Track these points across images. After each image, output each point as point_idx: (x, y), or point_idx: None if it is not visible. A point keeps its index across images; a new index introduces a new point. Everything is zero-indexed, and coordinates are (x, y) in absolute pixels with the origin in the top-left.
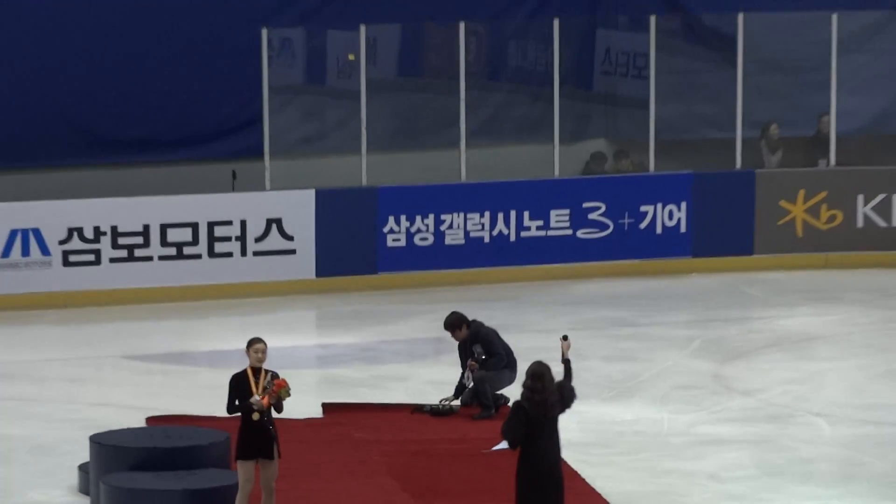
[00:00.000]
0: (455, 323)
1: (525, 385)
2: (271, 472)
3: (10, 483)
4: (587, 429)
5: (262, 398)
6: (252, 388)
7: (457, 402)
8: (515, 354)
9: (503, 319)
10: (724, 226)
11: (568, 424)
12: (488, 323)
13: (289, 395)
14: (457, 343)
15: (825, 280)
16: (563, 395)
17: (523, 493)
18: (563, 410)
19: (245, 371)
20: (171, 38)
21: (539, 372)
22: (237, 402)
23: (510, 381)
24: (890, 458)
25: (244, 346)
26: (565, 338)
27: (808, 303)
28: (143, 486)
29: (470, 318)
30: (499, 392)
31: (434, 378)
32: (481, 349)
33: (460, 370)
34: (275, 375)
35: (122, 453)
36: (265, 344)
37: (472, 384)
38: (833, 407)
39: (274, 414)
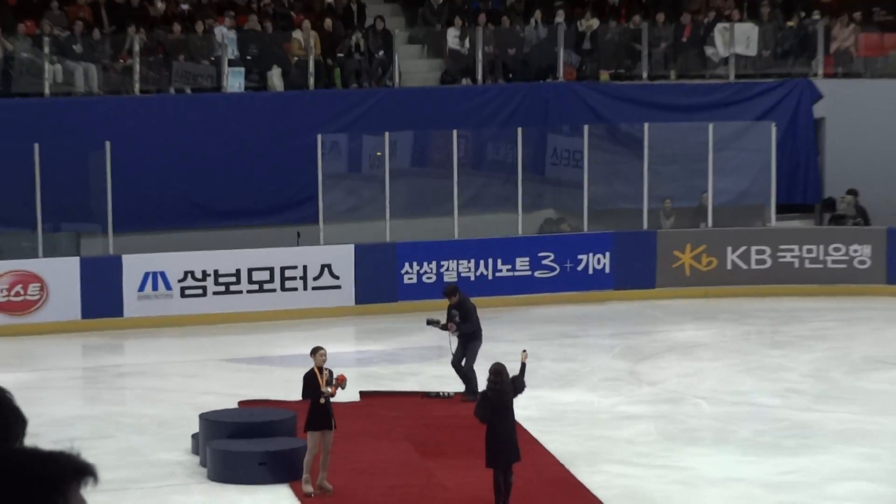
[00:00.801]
0: (451, 291)
1: (489, 379)
2: (330, 439)
3: (145, 447)
4: (543, 409)
5: (332, 389)
6: (319, 381)
7: (450, 391)
8: (492, 358)
9: (484, 332)
10: (635, 268)
11: (528, 405)
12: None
13: (345, 387)
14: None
15: (705, 306)
16: (515, 386)
17: (490, 452)
18: (515, 395)
19: (312, 370)
20: (256, 140)
21: (498, 370)
22: (309, 391)
23: (478, 347)
24: (750, 428)
25: (308, 352)
26: (524, 351)
27: (693, 321)
28: (236, 448)
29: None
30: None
31: (437, 373)
32: (458, 315)
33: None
34: (331, 373)
35: (221, 426)
36: (325, 350)
37: (455, 338)
38: (711, 392)
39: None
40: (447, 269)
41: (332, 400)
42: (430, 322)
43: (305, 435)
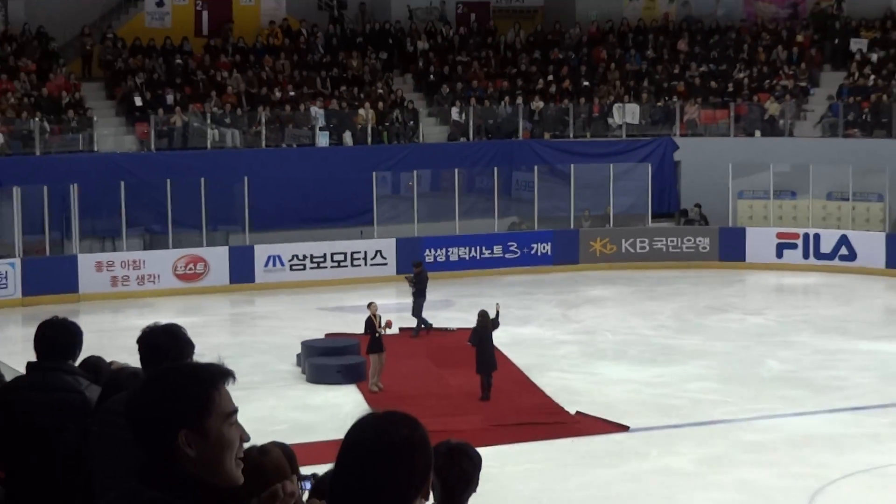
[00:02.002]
0: (418, 263)
1: (478, 320)
2: (383, 358)
3: (268, 362)
4: (510, 337)
5: (384, 327)
6: (375, 323)
7: (455, 327)
8: (480, 307)
9: (473, 291)
10: (566, 252)
11: (502, 336)
12: (467, 292)
13: (391, 327)
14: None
15: (609, 275)
16: (494, 324)
17: (479, 364)
18: (493, 330)
19: (370, 316)
20: (336, 175)
21: (483, 312)
22: (368, 329)
23: (423, 303)
24: (637, 349)
25: (366, 304)
26: (498, 303)
27: (602, 284)
28: (324, 363)
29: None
30: (423, 316)
31: (447, 316)
32: (416, 280)
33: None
34: (381, 318)
35: (314, 348)
36: (377, 304)
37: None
38: (613, 327)
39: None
40: (452, 253)
41: (383, 334)
42: (407, 278)
43: (368, 356)
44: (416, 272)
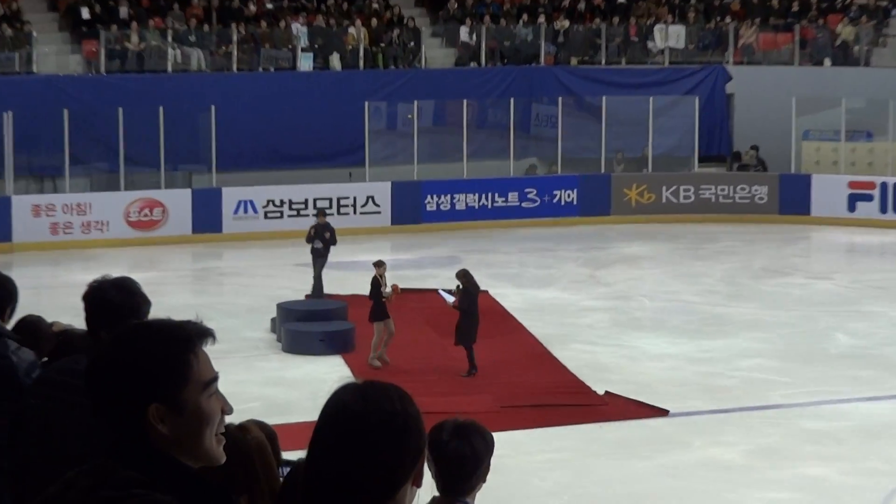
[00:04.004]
0: (321, 212)
1: (464, 280)
2: (392, 326)
3: (237, 327)
4: (527, 303)
5: (391, 293)
6: (382, 285)
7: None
8: (489, 265)
9: (484, 245)
10: (595, 201)
11: (517, 300)
12: (476, 247)
13: (399, 292)
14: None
15: (647, 229)
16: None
17: (466, 332)
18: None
19: (376, 277)
20: (320, 106)
21: (467, 272)
22: (374, 292)
23: (322, 265)
24: (679, 318)
25: (358, 259)
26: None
27: (638, 240)
28: (302, 328)
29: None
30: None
31: (451, 275)
32: (329, 233)
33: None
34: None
35: (292, 312)
36: (386, 265)
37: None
38: (650, 292)
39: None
40: (458, 200)
41: (390, 299)
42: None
43: (372, 324)
44: (321, 221)
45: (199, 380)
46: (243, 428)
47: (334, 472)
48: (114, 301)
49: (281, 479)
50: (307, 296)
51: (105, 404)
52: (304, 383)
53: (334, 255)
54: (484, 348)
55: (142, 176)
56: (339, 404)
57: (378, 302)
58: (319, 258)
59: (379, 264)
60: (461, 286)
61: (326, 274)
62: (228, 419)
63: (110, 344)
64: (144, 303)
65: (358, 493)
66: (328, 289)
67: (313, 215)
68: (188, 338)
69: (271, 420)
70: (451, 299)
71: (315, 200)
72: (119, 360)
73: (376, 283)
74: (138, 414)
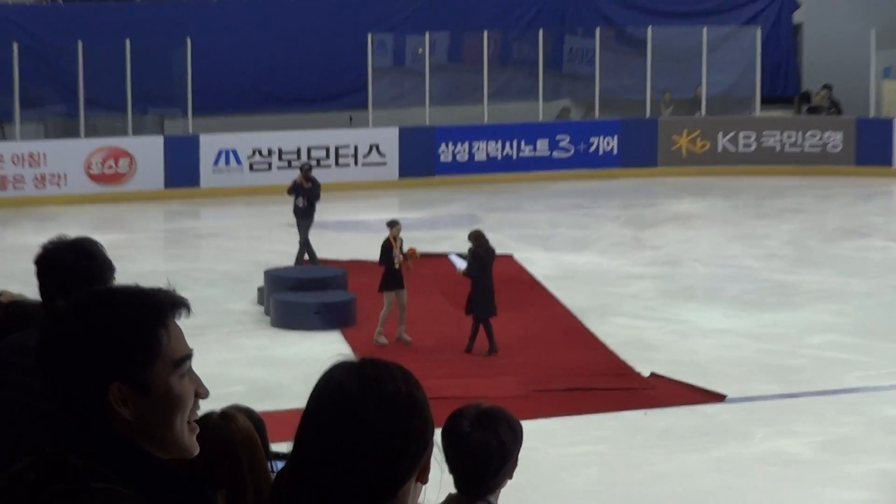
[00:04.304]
0: (307, 166)
1: (475, 242)
2: (404, 297)
3: (217, 298)
4: (559, 269)
5: (407, 258)
6: (395, 249)
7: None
8: (515, 225)
9: (508, 202)
10: (639, 150)
11: (546, 265)
12: (498, 204)
13: (418, 257)
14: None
15: (699, 182)
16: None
17: (475, 304)
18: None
19: (389, 239)
20: (316, 38)
21: (479, 234)
22: (385, 257)
23: (309, 225)
24: (737, 287)
25: (360, 218)
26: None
27: (689, 195)
28: (294, 299)
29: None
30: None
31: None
32: (312, 188)
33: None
34: (402, 243)
35: (283, 280)
36: (401, 225)
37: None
38: (704, 256)
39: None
40: (477, 150)
41: (407, 264)
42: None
43: (381, 294)
44: (304, 175)
45: (169, 356)
46: (228, 416)
47: (325, 465)
48: (71, 266)
49: (272, 474)
50: (305, 262)
51: (59, 384)
52: (296, 363)
53: (331, 213)
54: (509, 322)
55: (105, 121)
56: (332, 385)
57: (390, 268)
58: (304, 219)
59: (392, 224)
60: (472, 249)
61: (320, 236)
62: (205, 405)
63: (65, 314)
64: (107, 268)
65: (353, 491)
66: (322, 254)
67: (298, 167)
68: (158, 308)
69: (258, 406)
70: (461, 264)
71: (309, 150)
72: (75, 332)
73: (388, 247)
74: (97, 396)
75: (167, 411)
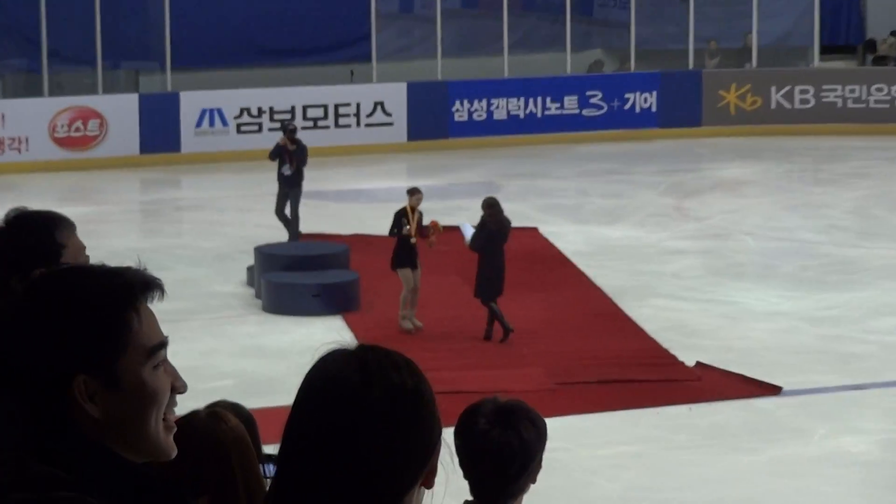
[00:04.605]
0: (290, 128)
1: (487, 212)
2: (419, 275)
3: (201, 279)
4: (590, 243)
5: (430, 233)
6: (410, 221)
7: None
8: (541, 193)
9: (532, 168)
10: (681, 107)
11: (576, 240)
12: (521, 170)
13: (441, 231)
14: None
15: (750, 144)
16: (509, 226)
17: (484, 281)
18: (507, 237)
19: (405, 208)
20: None
21: (492, 202)
22: (398, 228)
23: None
24: (793, 263)
25: (363, 186)
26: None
27: (738, 159)
28: (290, 280)
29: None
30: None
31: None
32: (298, 154)
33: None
34: (421, 216)
35: (276, 259)
36: (422, 194)
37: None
38: (755, 228)
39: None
40: (497, 107)
41: (430, 240)
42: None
43: (396, 272)
44: (289, 136)
45: (141, 345)
46: (215, 414)
47: (317, 468)
48: (31, 243)
49: (266, 479)
50: (302, 237)
51: (15, 378)
52: (292, 353)
53: (330, 181)
54: (533, 305)
55: (71, 77)
56: (328, 376)
57: (403, 241)
58: (294, 188)
59: (413, 192)
60: (482, 219)
61: (318, 207)
62: (189, 402)
63: (22, 296)
64: (73, 246)
65: (350, 498)
66: (321, 227)
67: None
68: (127, 289)
69: (249, 402)
70: (470, 234)
71: (305, 109)
72: (32, 317)
73: (402, 217)
74: (60, 390)
75: (140, 408)
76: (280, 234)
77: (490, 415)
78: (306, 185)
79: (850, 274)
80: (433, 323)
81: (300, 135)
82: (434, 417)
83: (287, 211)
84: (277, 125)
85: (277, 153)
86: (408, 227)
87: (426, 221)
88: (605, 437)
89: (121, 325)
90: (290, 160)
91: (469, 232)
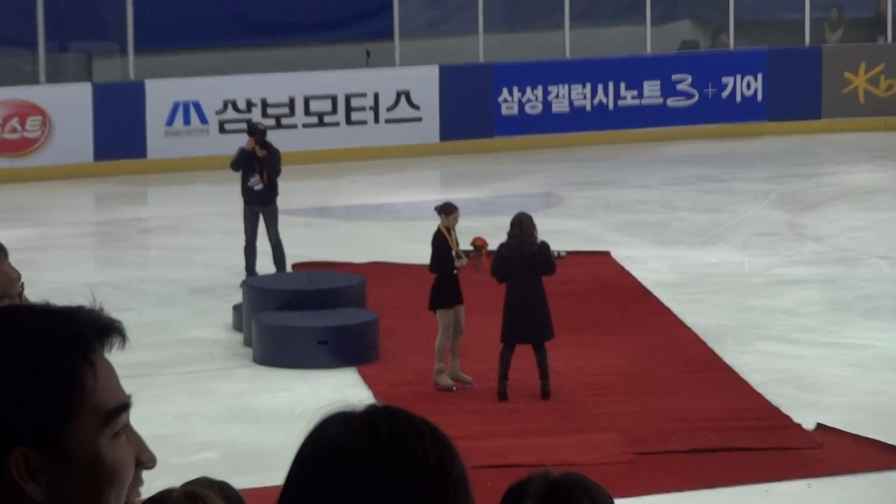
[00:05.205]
0: (259, 128)
1: (511, 232)
2: (462, 317)
3: (174, 322)
4: (677, 271)
5: (474, 255)
6: (451, 245)
7: (563, 251)
8: (616, 209)
9: (603, 176)
10: (796, 94)
11: (660, 267)
12: (588, 179)
13: (487, 252)
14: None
15: (884, 140)
16: (542, 251)
17: (505, 317)
18: (540, 265)
19: (440, 231)
20: None
21: (516, 219)
22: (441, 260)
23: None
24: None
25: (383, 201)
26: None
27: (870, 160)
28: (290, 323)
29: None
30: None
31: (544, 228)
32: (268, 160)
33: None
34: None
35: (270, 295)
36: (458, 210)
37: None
38: (891, 251)
39: None
40: (556, 97)
41: (471, 264)
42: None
43: (435, 313)
44: (258, 139)
45: (96, 408)
46: (195, 497)
47: None
48: None
49: None
50: (297, 266)
51: None
52: (291, 418)
53: (339, 194)
54: (604, 351)
55: (7, 62)
56: (326, 447)
57: (446, 276)
58: (267, 205)
59: (447, 210)
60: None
61: (324, 228)
62: (160, 479)
63: None
64: (6, 280)
65: None
66: (328, 253)
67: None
68: (78, 336)
69: (237, 480)
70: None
71: (307, 101)
72: None
73: (441, 242)
74: None
75: (95, 487)
76: (264, 263)
77: (539, 495)
78: (297, 201)
79: None
80: (477, 377)
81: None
82: (465, 500)
83: (261, 239)
84: (273, 122)
85: (243, 162)
86: (461, 259)
87: (466, 241)
88: None
89: (70, 383)
90: (261, 170)
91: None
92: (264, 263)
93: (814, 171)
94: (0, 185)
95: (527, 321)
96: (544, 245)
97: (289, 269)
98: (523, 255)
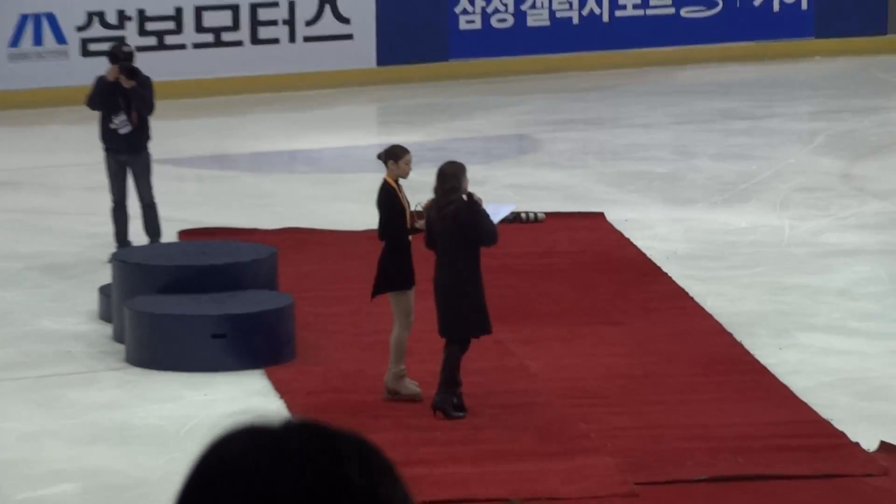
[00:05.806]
0: (126, 60)
1: (439, 187)
2: (412, 300)
3: (19, 309)
4: (695, 238)
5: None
6: (402, 203)
7: (541, 213)
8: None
9: (598, 112)
10: (851, 5)
11: (671, 233)
12: (576, 115)
13: None
14: None
15: None
16: (462, 209)
17: (444, 325)
18: (463, 229)
19: (386, 183)
20: None
21: (439, 170)
22: (394, 222)
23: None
24: None
25: (293, 147)
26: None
27: None
28: (175, 310)
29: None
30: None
31: (514, 181)
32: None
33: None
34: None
35: (149, 273)
36: (411, 155)
37: None
38: None
39: None
40: (532, 6)
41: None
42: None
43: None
44: (123, 66)
45: None
46: None
47: None
48: None
49: None
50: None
51: None
52: (177, 437)
53: (242, 137)
54: (596, 347)
55: None
56: (222, 472)
57: (399, 244)
58: (138, 154)
59: (395, 154)
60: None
61: (220, 182)
62: None
63: None
64: None
65: None
66: (220, 214)
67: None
68: None
69: None
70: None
71: (199, 11)
72: None
73: (391, 198)
74: None
75: None
76: (138, 232)
77: None
78: (185, 147)
79: None
80: (426, 383)
81: (180, 61)
82: None
83: (133, 198)
84: (155, 42)
85: (103, 97)
86: (422, 220)
87: (416, 203)
88: None
89: None
90: (128, 107)
91: (501, 214)
92: (140, 230)
93: (876, 104)
94: None
95: (438, 306)
96: (467, 200)
97: (172, 238)
98: (443, 216)
